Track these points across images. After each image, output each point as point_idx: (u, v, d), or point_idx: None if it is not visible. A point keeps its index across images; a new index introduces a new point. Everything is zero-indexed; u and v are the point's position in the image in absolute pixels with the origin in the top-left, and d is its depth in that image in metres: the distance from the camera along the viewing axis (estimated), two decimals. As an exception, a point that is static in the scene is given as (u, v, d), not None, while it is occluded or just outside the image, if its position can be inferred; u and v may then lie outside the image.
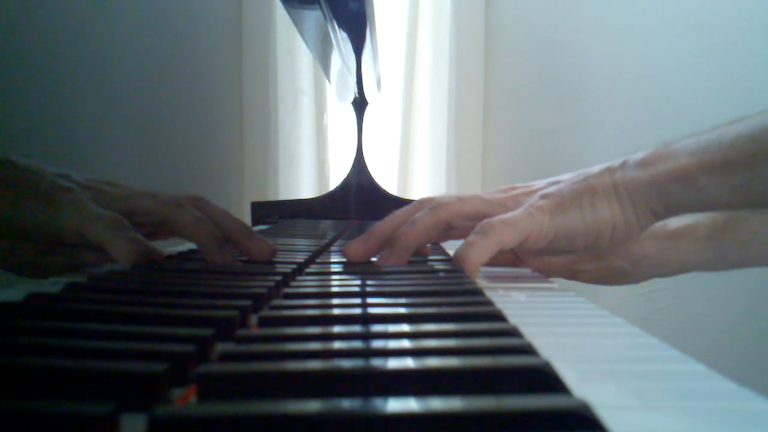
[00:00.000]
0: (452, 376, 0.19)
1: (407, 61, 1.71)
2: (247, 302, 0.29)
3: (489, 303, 0.31)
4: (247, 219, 1.23)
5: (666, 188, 0.41)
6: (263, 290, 0.33)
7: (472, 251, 0.43)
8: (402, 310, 0.29)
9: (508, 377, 0.18)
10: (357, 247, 0.49)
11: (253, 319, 0.29)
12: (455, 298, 0.33)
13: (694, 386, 0.21)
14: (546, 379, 0.19)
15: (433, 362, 0.19)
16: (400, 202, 1.28)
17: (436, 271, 0.44)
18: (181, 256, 0.51)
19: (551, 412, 0.15)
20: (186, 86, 1.14)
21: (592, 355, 0.25)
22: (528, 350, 0.21)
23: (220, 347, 0.22)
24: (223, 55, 1.50)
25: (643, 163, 0.42)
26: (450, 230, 0.48)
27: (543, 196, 0.45)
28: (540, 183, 0.48)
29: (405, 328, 0.25)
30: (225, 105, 1.50)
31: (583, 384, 0.20)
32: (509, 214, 0.44)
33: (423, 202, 0.49)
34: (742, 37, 0.81)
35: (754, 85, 0.78)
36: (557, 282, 0.47)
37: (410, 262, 0.49)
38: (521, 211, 0.44)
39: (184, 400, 0.19)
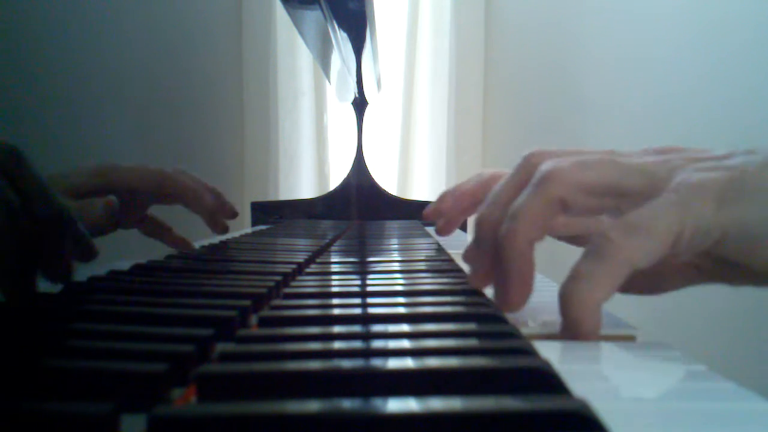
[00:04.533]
0: (452, 377, 0.19)
1: (407, 61, 1.71)
2: (247, 302, 0.29)
3: (489, 303, 0.31)
4: (247, 219, 1.23)
5: None
6: (263, 290, 0.33)
7: (585, 288, 0.27)
8: (402, 310, 0.29)
9: (508, 378, 0.18)
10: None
11: (253, 319, 0.29)
12: (455, 298, 0.33)
13: (694, 386, 0.21)
14: (546, 380, 0.19)
15: (432, 362, 0.19)
16: (400, 202, 1.28)
17: (436, 271, 0.44)
18: (181, 256, 0.51)
19: (551, 413, 0.15)
20: (186, 86, 1.14)
21: (590, 355, 0.25)
22: (528, 351, 0.21)
23: (220, 347, 0.22)
24: (223, 55, 1.50)
25: None
26: (564, 211, 0.30)
27: (707, 169, 0.28)
28: (715, 153, 0.30)
29: (405, 328, 0.25)
30: (225, 105, 1.50)
31: (583, 383, 0.20)
32: (641, 213, 0.28)
33: (527, 164, 0.32)
34: (744, 29, 0.81)
35: (755, 75, 0.78)
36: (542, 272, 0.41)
37: (410, 262, 0.49)
38: (666, 198, 0.28)
39: (184, 400, 0.19)
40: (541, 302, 0.33)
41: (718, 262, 0.30)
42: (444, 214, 0.49)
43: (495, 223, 0.32)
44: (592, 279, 0.27)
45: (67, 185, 0.49)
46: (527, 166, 0.32)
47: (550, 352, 0.22)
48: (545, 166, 0.30)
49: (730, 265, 0.30)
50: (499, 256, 0.30)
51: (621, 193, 0.29)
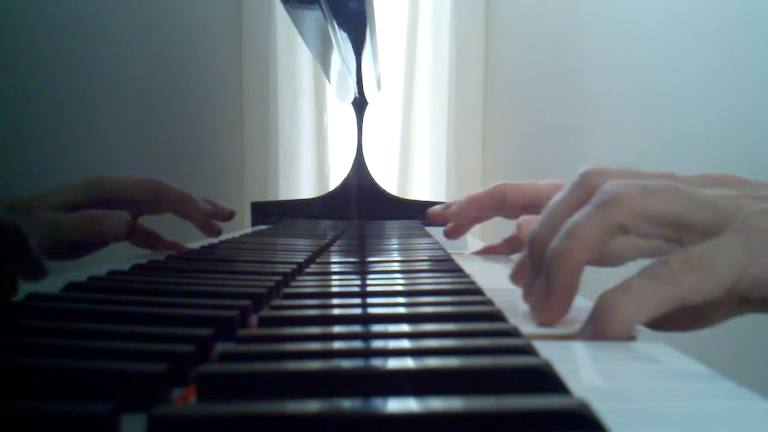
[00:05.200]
0: (452, 376, 0.19)
1: (407, 61, 1.71)
2: (247, 302, 0.29)
3: (489, 303, 0.31)
4: (247, 219, 1.23)
5: None
6: (263, 290, 0.33)
7: (632, 304, 0.27)
8: (402, 310, 0.29)
9: (508, 377, 0.18)
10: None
11: (253, 319, 0.29)
12: (455, 298, 0.33)
13: (694, 386, 0.21)
14: (546, 379, 0.19)
15: (433, 362, 0.20)
16: (400, 202, 1.28)
17: (436, 271, 0.44)
18: (181, 256, 0.51)
19: (551, 412, 0.15)
20: (186, 86, 1.14)
21: (589, 355, 0.25)
22: (528, 350, 0.21)
23: (220, 347, 0.22)
24: (223, 55, 1.50)
25: None
26: (627, 233, 0.29)
27: None
28: None
29: (405, 328, 0.25)
30: (225, 105, 1.50)
31: (582, 383, 0.20)
32: (706, 250, 0.27)
33: (586, 182, 0.31)
34: (746, 34, 0.81)
35: (758, 81, 0.78)
36: None
37: (410, 262, 0.49)
38: (733, 240, 0.27)
39: (184, 400, 0.19)
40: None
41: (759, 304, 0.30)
42: (449, 220, 0.50)
43: (545, 242, 0.31)
44: (641, 298, 0.27)
45: (57, 201, 0.49)
46: (586, 185, 0.31)
47: (550, 350, 0.22)
48: (609, 187, 0.29)
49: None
50: (547, 270, 0.29)
51: (686, 226, 0.28)
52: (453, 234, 0.59)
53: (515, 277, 0.36)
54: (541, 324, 0.30)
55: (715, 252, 0.27)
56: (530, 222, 0.47)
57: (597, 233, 0.29)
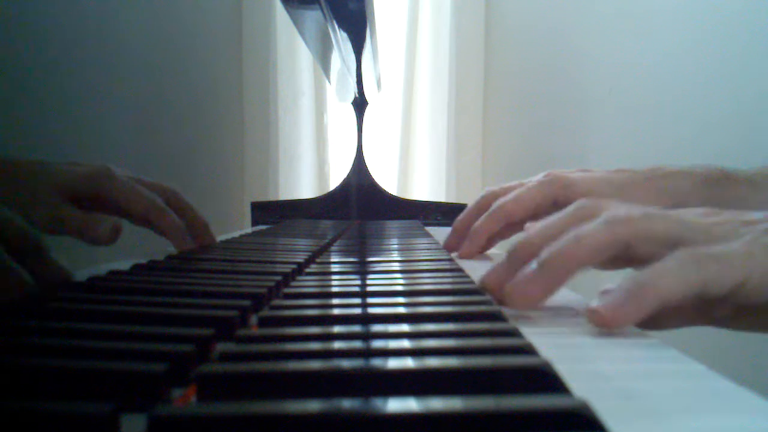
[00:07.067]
0: (452, 376, 0.19)
1: (407, 61, 1.71)
2: (247, 302, 0.29)
3: (489, 303, 0.31)
4: (247, 219, 1.23)
5: None
6: (263, 290, 0.33)
7: (663, 281, 0.29)
8: (402, 310, 0.29)
9: (508, 377, 0.19)
10: (495, 274, 0.36)
11: (253, 319, 0.29)
12: (455, 298, 0.33)
13: (694, 386, 0.21)
14: (546, 379, 0.19)
15: (433, 362, 0.20)
16: (400, 202, 1.28)
17: (436, 271, 0.44)
18: (181, 256, 0.51)
19: (551, 412, 0.15)
20: (186, 86, 1.14)
21: (590, 355, 0.25)
22: (528, 350, 0.21)
23: (220, 347, 0.22)
24: (223, 55, 1.50)
25: None
26: (627, 252, 0.33)
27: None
28: (758, 214, 0.34)
29: (405, 328, 0.25)
30: (225, 105, 1.50)
31: (581, 383, 0.20)
32: (719, 248, 0.30)
33: (588, 206, 0.35)
34: (745, 31, 0.81)
35: (756, 77, 0.78)
36: None
37: (410, 262, 0.49)
38: (735, 246, 0.30)
39: (184, 400, 0.19)
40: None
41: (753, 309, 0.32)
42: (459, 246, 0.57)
43: (537, 249, 0.33)
44: (674, 279, 0.29)
45: (61, 180, 0.49)
46: (586, 206, 0.35)
47: (548, 350, 0.22)
48: (616, 209, 0.33)
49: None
50: (543, 263, 0.32)
51: (673, 245, 0.31)
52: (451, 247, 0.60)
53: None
54: (520, 304, 0.32)
55: (730, 250, 0.29)
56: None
57: (603, 242, 0.32)
